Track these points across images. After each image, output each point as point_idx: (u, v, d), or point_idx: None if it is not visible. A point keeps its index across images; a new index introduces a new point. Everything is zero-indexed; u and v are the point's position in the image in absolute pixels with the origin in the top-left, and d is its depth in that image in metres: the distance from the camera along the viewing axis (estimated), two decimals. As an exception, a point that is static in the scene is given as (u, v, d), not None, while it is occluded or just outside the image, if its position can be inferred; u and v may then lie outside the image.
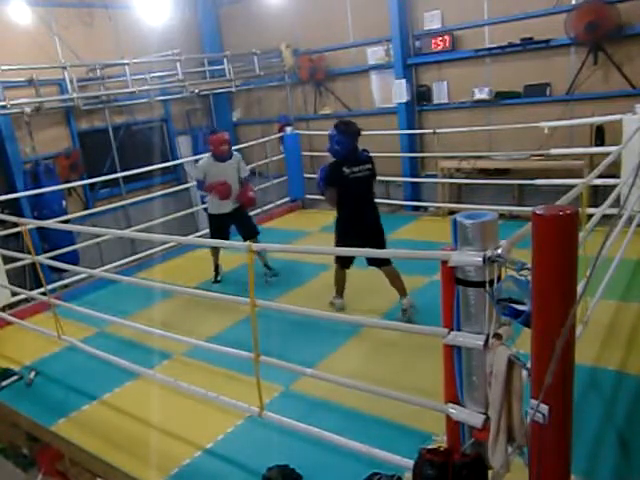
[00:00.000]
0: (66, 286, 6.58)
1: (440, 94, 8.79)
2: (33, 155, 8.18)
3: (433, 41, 8.48)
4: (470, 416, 2.30)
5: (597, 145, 7.03)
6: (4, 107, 7.35)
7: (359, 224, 4.99)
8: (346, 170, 4.87)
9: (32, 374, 4.60)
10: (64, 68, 7.96)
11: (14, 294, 5.85)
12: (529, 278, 1.99)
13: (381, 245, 5.02)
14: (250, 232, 6.28)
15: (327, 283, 5.88)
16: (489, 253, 2.09)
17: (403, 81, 8.79)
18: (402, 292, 4.96)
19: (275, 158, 9.22)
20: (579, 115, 7.16)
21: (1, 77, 7.35)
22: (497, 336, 2.17)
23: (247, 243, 3.02)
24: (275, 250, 6.30)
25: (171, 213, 7.96)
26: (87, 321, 5.19)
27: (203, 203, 9.95)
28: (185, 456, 3.40)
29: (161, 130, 10.46)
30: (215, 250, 6.42)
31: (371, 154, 5.19)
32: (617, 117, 6.24)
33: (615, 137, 6.40)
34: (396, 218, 8.27)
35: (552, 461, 2.10)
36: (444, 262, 2.22)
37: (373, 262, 5.01)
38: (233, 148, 9.61)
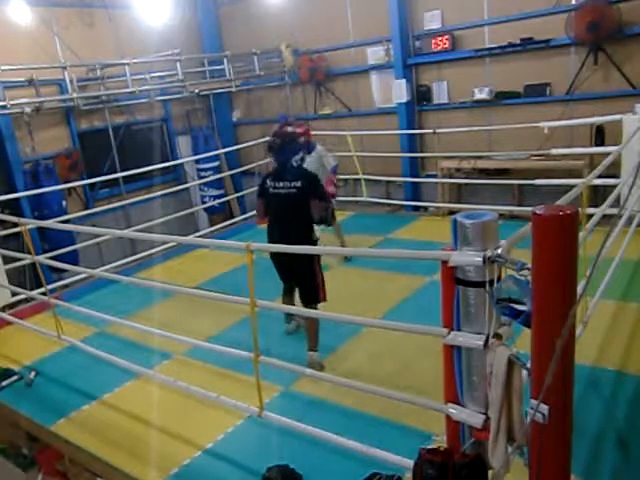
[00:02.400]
0: (66, 286, 6.58)
1: (440, 94, 8.78)
2: (33, 155, 8.18)
3: (433, 41, 8.47)
4: (470, 416, 2.30)
5: (597, 145, 7.02)
6: (4, 107, 7.35)
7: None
8: (268, 183, 4.44)
9: (32, 374, 4.60)
10: (64, 68, 7.96)
11: (14, 294, 5.85)
12: (529, 278, 1.99)
13: (304, 287, 4.45)
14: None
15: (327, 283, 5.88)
16: (489, 253, 2.09)
17: (403, 81, 8.79)
18: (312, 345, 4.33)
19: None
20: (579, 115, 7.15)
21: (1, 77, 7.34)
22: (497, 336, 2.17)
23: (246, 243, 2.99)
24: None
25: (171, 213, 7.96)
26: (87, 321, 5.19)
27: (203, 203, 10.05)
28: (185, 456, 3.40)
29: (161, 130, 10.45)
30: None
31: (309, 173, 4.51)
32: (617, 117, 6.24)
33: (615, 137, 6.40)
34: (396, 218, 8.29)
35: (552, 461, 2.10)
36: (444, 262, 2.22)
37: (302, 299, 4.51)
38: (234, 147, 9.75)
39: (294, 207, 4.36)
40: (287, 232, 4.34)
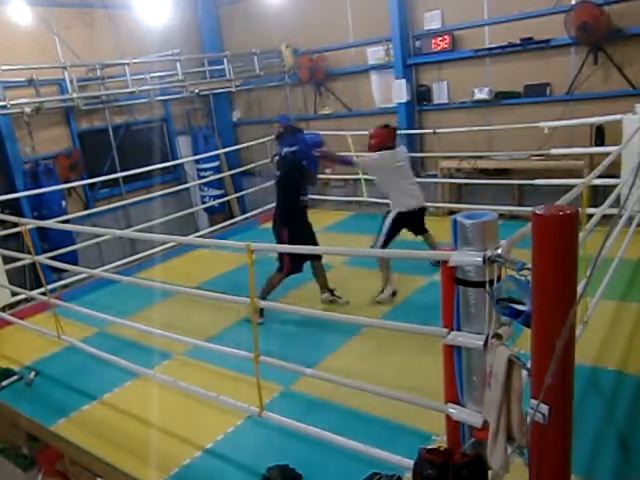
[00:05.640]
0: (66, 286, 6.58)
1: (440, 94, 8.78)
2: (33, 155, 8.18)
3: (433, 41, 8.48)
4: (470, 416, 2.30)
5: (597, 145, 7.02)
6: (4, 107, 7.35)
7: None
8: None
9: (32, 374, 4.59)
10: (64, 68, 7.96)
11: (14, 294, 5.85)
12: (529, 278, 1.99)
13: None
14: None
15: (328, 283, 5.87)
16: (489, 253, 2.09)
17: (403, 81, 8.79)
18: (324, 287, 5.38)
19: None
20: (579, 115, 7.15)
21: (1, 77, 7.34)
22: (497, 336, 2.17)
23: (246, 243, 2.99)
24: (275, 250, 6.30)
25: (171, 213, 7.95)
26: (87, 321, 5.19)
27: (203, 203, 10.05)
28: (185, 456, 3.40)
29: (161, 130, 10.45)
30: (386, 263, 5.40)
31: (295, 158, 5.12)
32: (617, 117, 6.24)
33: (615, 137, 6.39)
34: (396, 218, 8.26)
35: (552, 461, 2.09)
36: (444, 262, 2.22)
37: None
38: (234, 147, 9.76)
39: (279, 189, 5.30)
40: (275, 207, 5.40)
